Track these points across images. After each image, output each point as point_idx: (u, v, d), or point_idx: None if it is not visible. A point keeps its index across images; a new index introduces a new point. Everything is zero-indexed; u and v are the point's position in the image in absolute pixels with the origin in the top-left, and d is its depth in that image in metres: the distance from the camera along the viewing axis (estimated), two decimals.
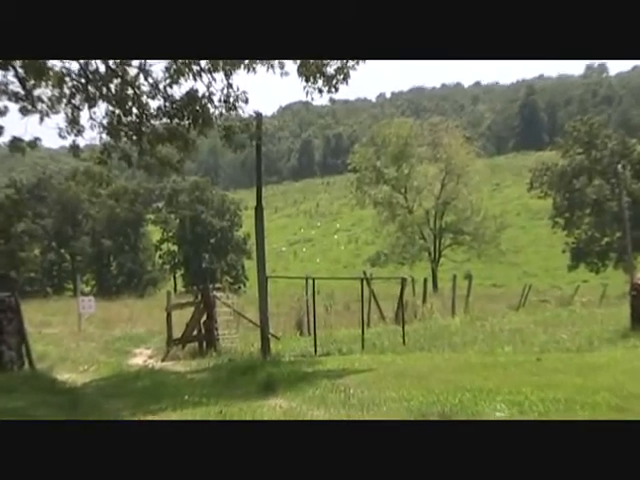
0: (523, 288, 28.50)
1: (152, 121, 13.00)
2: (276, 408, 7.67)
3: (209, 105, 12.45)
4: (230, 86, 12.27)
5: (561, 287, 44.76)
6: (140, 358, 16.12)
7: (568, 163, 52.55)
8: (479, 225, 48.76)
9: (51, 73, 12.30)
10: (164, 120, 12.96)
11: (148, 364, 14.33)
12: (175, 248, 66.23)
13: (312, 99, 12.54)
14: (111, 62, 12.21)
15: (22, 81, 12.64)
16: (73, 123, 13.08)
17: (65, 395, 10.01)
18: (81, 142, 13.62)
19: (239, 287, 57.57)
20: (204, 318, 15.87)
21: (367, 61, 12.00)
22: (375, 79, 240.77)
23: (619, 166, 30.68)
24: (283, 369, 10.62)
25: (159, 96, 12.66)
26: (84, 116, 13.04)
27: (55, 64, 12.21)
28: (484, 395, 7.38)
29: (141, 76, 12.64)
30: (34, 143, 13.58)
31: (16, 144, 13.32)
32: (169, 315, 16.47)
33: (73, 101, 12.86)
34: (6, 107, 13.21)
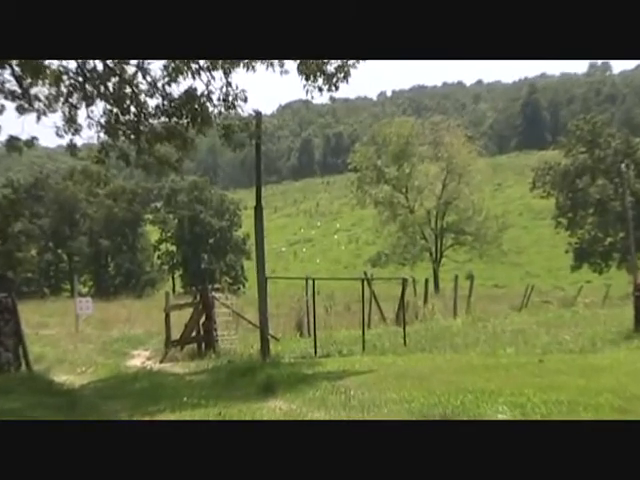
0: (525, 289, 28.38)
1: (150, 120, 12.96)
2: (276, 410, 7.64)
3: (208, 104, 12.41)
4: (229, 84, 12.24)
5: (564, 288, 44.56)
6: (138, 359, 16.10)
7: (571, 162, 52.31)
8: (481, 225, 48.59)
9: (48, 71, 12.27)
10: (162, 119, 12.92)
11: (146, 365, 14.30)
12: (174, 248, 66.12)
13: (312, 98, 12.53)
14: (109, 60, 12.13)
15: (19, 79, 12.59)
16: (70, 122, 13.03)
17: (62, 397, 9.99)
18: (79, 141, 13.66)
19: (238, 288, 57.41)
20: (203, 319, 15.81)
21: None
22: (376, 77, 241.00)
23: (623, 165, 30.62)
24: (283, 370, 10.56)
25: (157, 95, 12.62)
26: (81, 115, 13.05)
27: (52, 62, 12.17)
28: (486, 397, 7.31)
29: (139, 74, 12.62)
30: (31, 142, 13.53)
31: (13, 143, 13.31)
32: (167, 316, 16.45)
33: (70, 100, 12.82)
34: (3, 106, 13.15)
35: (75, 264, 59.88)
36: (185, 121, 12.63)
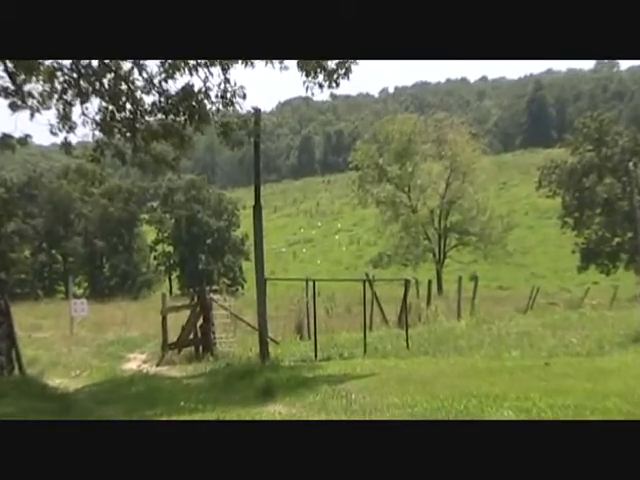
0: (531, 290, 28.11)
1: (147, 117, 12.89)
2: (275, 414, 7.66)
3: (206, 101, 12.33)
4: (227, 81, 12.16)
5: (570, 289, 44.45)
6: (134, 363, 16.09)
7: (578, 161, 51.81)
8: (485, 225, 48.40)
9: (42, 68, 12.20)
10: (159, 116, 12.85)
11: (142, 369, 14.36)
12: (170, 249, 65.99)
13: (312, 94, 12.42)
14: None
15: (12, 76, 12.55)
16: (65, 119, 12.93)
17: (56, 401, 10.02)
18: (73, 139, 13.57)
19: (237, 289, 57.28)
20: (200, 321, 15.78)
21: None
22: (378, 74, 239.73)
23: (630, 164, 30.44)
24: (282, 374, 10.53)
25: (154, 91, 12.52)
26: (76, 112, 12.94)
27: None
28: (490, 401, 7.26)
29: (135, 71, 12.53)
30: (24, 140, 13.45)
31: (6, 141, 13.26)
32: (164, 318, 16.39)
33: (65, 96, 12.71)
34: None
35: (70, 265, 59.66)
36: (182, 118, 12.55)
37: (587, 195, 50.09)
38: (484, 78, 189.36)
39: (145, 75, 12.40)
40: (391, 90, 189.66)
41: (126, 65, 12.46)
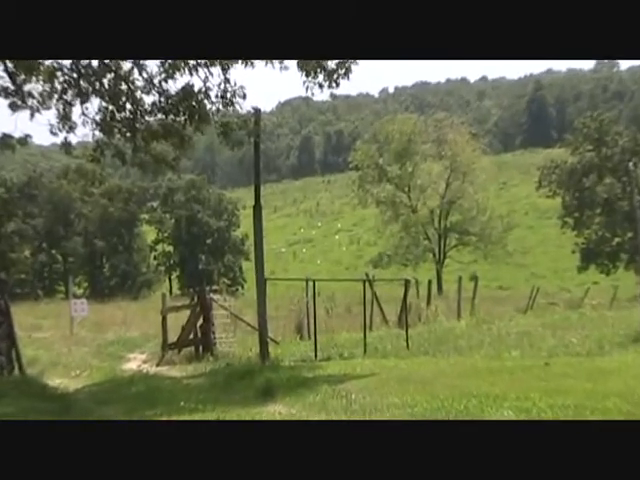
0: (531, 290, 28.04)
1: (147, 117, 12.86)
2: (275, 414, 7.65)
3: (206, 101, 12.30)
4: (227, 81, 12.13)
5: (570, 289, 44.33)
6: (134, 363, 16.05)
7: (578, 161, 51.64)
8: (485, 225, 48.29)
9: (42, 68, 12.17)
10: (159, 116, 12.82)
11: (142, 369, 14.33)
12: (170, 249, 65.90)
13: (312, 94, 12.40)
14: None
15: (12, 76, 12.52)
16: (65, 119, 12.90)
17: (56, 401, 10.00)
18: (73, 139, 13.54)
19: (237, 289, 57.20)
20: (200, 321, 15.74)
21: None
22: (378, 74, 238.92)
23: (630, 164, 30.37)
24: (282, 374, 10.51)
25: (154, 91, 12.50)
26: (76, 112, 12.92)
27: None
28: (490, 401, 7.26)
29: (135, 71, 12.51)
30: (24, 140, 13.43)
31: (6, 141, 13.23)
32: (164, 318, 16.34)
33: (65, 96, 12.68)
34: None
35: (70, 265, 59.56)
36: (182, 118, 12.52)
37: (587, 195, 49.93)
38: (484, 78, 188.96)
39: (145, 75, 12.39)
40: (391, 90, 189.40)
41: (126, 65, 12.44)
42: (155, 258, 65.10)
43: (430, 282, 24.84)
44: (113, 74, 12.46)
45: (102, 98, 12.59)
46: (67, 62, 12.25)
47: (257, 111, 13.11)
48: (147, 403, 9.03)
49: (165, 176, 56.11)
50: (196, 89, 12.27)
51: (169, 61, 11.98)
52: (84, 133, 13.33)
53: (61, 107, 12.77)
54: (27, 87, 12.64)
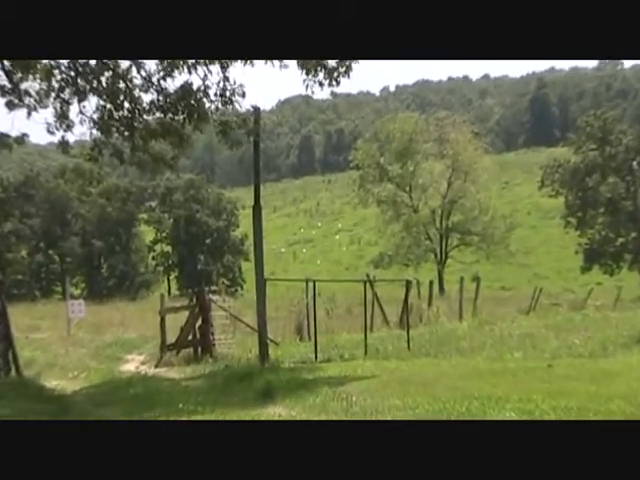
0: (534, 291, 27.96)
1: (145, 116, 12.83)
2: (275, 416, 7.67)
3: (205, 99, 12.28)
4: (227, 79, 12.10)
5: (574, 290, 44.22)
6: (132, 364, 16.04)
7: (581, 160, 51.44)
8: (488, 225, 48.12)
9: (39, 66, 12.15)
10: (157, 115, 12.79)
11: (141, 371, 14.33)
12: (169, 249, 65.83)
13: (313, 93, 12.48)
14: None
15: (9, 74, 12.54)
16: (62, 118, 12.85)
17: (53, 403, 10.01)
18: (70, 138, 13.48)
19: (236, 290, 57.23)
20: (199, 322, 15.71)
21: None
22: (379, 72, 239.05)
23: (634, 163, 30.30)
24: (282, 376, 10.52)
25: (152, 90, 12.47)
26: (73, 111, 12.88)
27: None
28: (493, 403, 7.28)
29: (133, 69, 12.47)
30: (21, 139, 13.53)
31: (2, 140, 13.37)
32: (163, 319, 16.31)
33: (62, 95, 12.63)
34: None
35: (67, 265, 59.45)
36: (181, 117, 12.49)
37: (590, 194, 49.77)
38: (486, 76, 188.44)
39: (143, 73, 12.35)
40: (392, 88, 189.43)
41: (124, 63, 12.41)
42: (153, 258, 64.99)
43: (432, 283, 24.73)
44: (111, 72, 12.41)
45: (100, 96, 12.53)
46: (64, 60, 12.16)
47: (256, 110, 13.12)
48: (145, 405, 9.04)
49: (163, 175, 56.06)
50: (195, 87, 12.25)
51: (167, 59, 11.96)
52: (82, 132, 13.32)
53: (58, 106, 12.72)
54: (24, 85, 12.62)
